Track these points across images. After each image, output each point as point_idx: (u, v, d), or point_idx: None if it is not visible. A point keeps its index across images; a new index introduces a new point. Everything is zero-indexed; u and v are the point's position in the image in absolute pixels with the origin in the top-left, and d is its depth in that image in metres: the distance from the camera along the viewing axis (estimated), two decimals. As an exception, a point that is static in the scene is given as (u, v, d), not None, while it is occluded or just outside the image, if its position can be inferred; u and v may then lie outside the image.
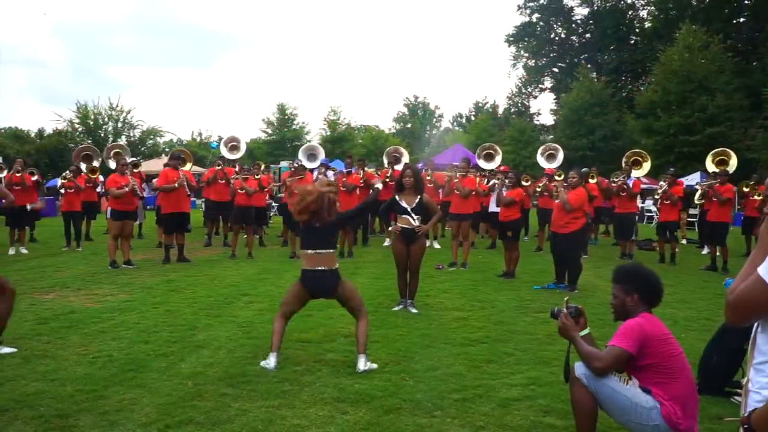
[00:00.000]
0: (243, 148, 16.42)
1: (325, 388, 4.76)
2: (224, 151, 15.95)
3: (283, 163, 28.76)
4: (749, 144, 28.91)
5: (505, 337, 6.45)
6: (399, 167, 15.26)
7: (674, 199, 12.47)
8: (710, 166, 14.64)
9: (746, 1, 41.05)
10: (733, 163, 14.36)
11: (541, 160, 16.31)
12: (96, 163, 15.37)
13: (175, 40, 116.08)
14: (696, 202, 14.15)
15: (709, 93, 31.56)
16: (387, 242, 14.81)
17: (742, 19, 41.98)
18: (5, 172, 14.43)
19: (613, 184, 13.54)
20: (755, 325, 2.26)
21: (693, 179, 21.95)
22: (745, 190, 13.74)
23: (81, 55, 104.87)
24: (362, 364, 5.16)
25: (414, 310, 7.60)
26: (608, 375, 3.45)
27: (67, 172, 14.20)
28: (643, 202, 21.81)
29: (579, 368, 3.54)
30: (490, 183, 13.35)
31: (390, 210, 7.80)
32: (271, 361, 5.19)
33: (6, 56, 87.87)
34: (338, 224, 5.66)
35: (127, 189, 10.94)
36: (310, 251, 5.33)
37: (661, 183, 13.30)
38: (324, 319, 6.97)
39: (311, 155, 16.23)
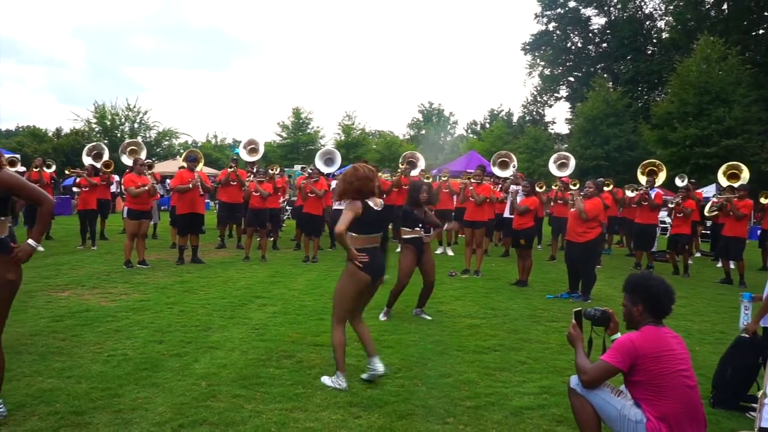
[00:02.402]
0: (262, 150, 16.44)
1: (338, 392, 4.77)
2: (243, 154, 15.97)
3: (297, 167, 28.84)
4: (766, 157, 28.70)
5: (518, 345, 6.44)
6: (415, 172, 15.27)
7: (687, 212, 12.36)
8: (722, 180, 14.54)
9: (766, 13, 40.77)
10: (745, 176, 14.24)
11: (553, 168, 16.27)
12: (105, 157, 15.46)
13: (193, 43, 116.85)
14: (707, 214, 13.95)
15: (727, 105, 31.34)
16: (400, 249, 14.80)
17: (761, 31, 41.69)
18: (18, 166, 14.53)
19: (631, 195, 13.42)
20: None
21: (708, 191, 21.82)
22: (764, 201, 13.59)
23: (100, 56, 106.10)
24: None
25: (428, 317, 7.65)
26: (597, 387, 3.52)
27: (73, 170, 14.32)
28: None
29: (574, 379, 3.64)
30: (510, 189, 13.28)
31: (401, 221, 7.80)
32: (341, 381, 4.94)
33: (27, 56, 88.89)
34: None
35: (146, 188, 11.00)
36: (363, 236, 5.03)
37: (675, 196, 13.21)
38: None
39: (328, 160, 16.15)
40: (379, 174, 15.04)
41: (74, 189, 15.18)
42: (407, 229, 7.62)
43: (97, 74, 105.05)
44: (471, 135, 70.01)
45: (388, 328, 6.97)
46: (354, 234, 4.94)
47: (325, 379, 4.97)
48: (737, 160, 16.49)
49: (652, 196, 13.10)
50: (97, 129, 43.99)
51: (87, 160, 15.40)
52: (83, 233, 13.68)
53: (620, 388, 3.60)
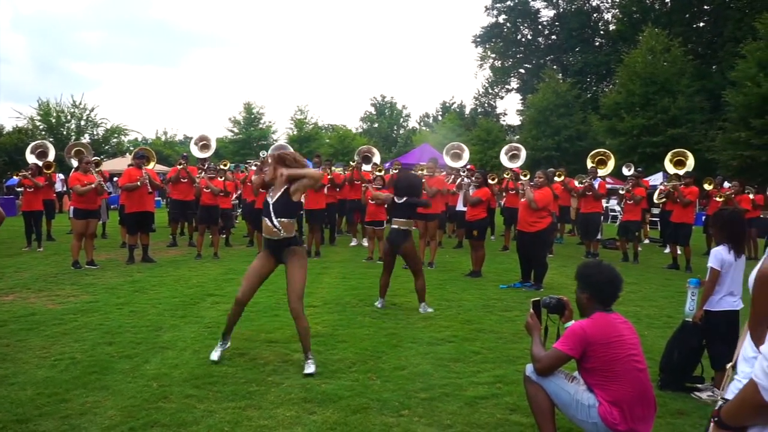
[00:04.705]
0: (213, 146, 16.20)
1: (292, 388, 4.74)
2: (195, 150, 15.69)
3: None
4: (709, 145, 29.59)
5: (472, 336, 6.49)
6: (367, 168, 15.33)
7: (637, 199, 12.68)
8: (669, 167, 14.94)
9: (706, 6, 41.97)
10: (690, 163, 14.65)
11: (504, 160, 16.47)
12: (51, 157, 15.05)
13: (143, 38, 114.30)
14: (656, 201, 14.41)
15: (671, 95, 32.23)
16: (354, 242, 14.82)
17: (701, 24, 42.91)
18: None
19: (579, 185, 13.68)
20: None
21: (656, 179, 22.38)
22: (708, 187, 14.01)
23: (44, 51, 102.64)
24: None
25: (430, 309, 7.67)
26: (550, 374, 3.60)
27: (26, 171, 13.90)
28: (607, 202, 22.12)
29: (529, 368, 3.73)
30: (458, 181, 13.42)
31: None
32: None
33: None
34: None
35: (92, 186, 10.72)
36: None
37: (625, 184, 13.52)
38: (291, 319, 6.90)
39: (280, 155, 15.94)
40: (333, 168, 14.99)
41: (18, 189, 14.71)
42: (403, 220, 7.70)
43: (42, 70, 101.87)
44: (424, 128, 70.35)
45: (342, 322, 6.95)
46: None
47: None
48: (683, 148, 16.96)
49: (596, 186, 13.40)
50: (41, 127, 42.65)
51: (31, 159, 14.96)
52: (28, 234, 13.30)
53: (574, 374, 3.67)
